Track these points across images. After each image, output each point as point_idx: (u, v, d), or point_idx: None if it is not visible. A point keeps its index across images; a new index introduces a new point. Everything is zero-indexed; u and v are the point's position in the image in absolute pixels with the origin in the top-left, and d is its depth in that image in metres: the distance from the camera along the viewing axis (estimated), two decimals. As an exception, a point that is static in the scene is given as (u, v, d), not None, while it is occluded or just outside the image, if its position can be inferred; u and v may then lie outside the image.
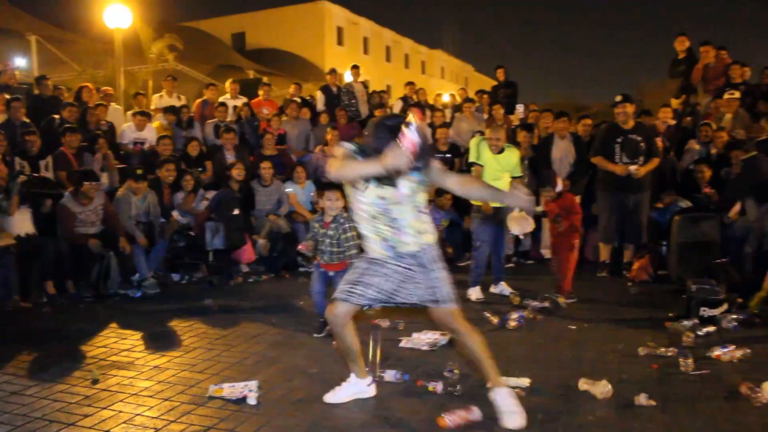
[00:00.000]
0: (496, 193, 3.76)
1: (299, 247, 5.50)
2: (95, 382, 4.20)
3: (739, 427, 3.42)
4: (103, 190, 7.39)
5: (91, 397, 3.95)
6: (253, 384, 3.94)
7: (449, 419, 3.40)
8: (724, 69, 10.17)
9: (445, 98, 15.73)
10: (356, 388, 3.85)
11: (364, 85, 12.34)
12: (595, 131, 8.75)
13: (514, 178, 6.42)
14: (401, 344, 4.91)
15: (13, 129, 7.91)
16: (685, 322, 5.29)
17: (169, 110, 9.95)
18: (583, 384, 3.92)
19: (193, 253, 7.82)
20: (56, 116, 8.61)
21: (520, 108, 10.82)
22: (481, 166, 6.45)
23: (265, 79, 13.78)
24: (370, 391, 3.88)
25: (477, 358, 3.56)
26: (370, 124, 3.59)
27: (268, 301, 6.62)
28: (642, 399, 3.67)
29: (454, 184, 3.65)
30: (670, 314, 5.69)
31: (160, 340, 5.20)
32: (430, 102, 12.54)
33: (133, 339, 5.26)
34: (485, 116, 10.75)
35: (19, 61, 16.69)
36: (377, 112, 10.63)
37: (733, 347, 4.55)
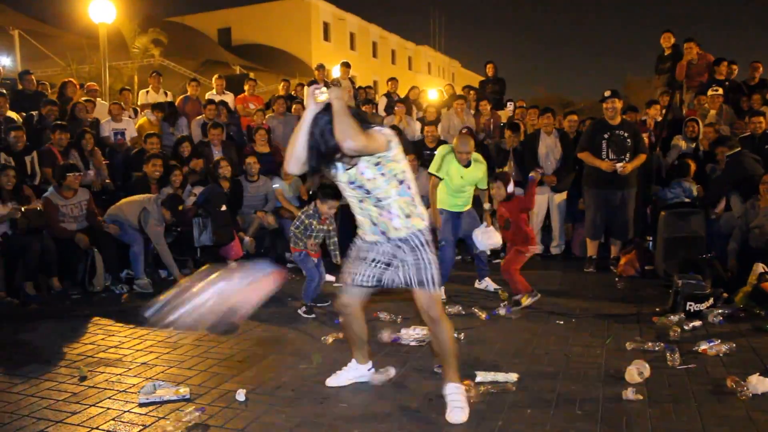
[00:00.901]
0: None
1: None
2: (83, 379, 4.18)
3: (725, 420, 3.45)
4: (89, 186, 7.34)
5: (79, 394, 3.92)
6: (184, 389, 3.89)
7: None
8: (707, 66, 10.26)
9: (432, 95, 15.75)
10: (357, 372, 4.02)
11: (351, 81, 12.33)
12: (581, 127, 8.81)
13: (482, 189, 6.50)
14: (390, 340, 4.91)
15: (-3, 124, 7.84)
16: (672, 317, 5.34)
17: (157, 107, 9.90)
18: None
19: (180, 249, 7.77)
20: (34, 113, 8.54)
21: (510, 106, 10.86)
22: (440, 179, 6.31)
23: (251, 75, 13.71)
24: (370, 375, 4.03)
25: (445, 350, 3.60)
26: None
27: (256, 297, 6.59)
28: (629, 393, 3.70)
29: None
30: (656, 309, 5.75)
31: (147, 337, 5.17)
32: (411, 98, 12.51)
33: (121, 336, 5.23)
34: (472, 112, 10.77)
35: (4, 60, 16.54)
36: (364, 108, 10.63)
37: (718, 341, 4.59)
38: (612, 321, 5.46)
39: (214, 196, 7.70)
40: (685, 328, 5.12)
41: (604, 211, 7.55)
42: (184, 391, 3.84)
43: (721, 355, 4.47)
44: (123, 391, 3.97)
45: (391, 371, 4.09)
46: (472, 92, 11.75)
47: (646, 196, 8.10)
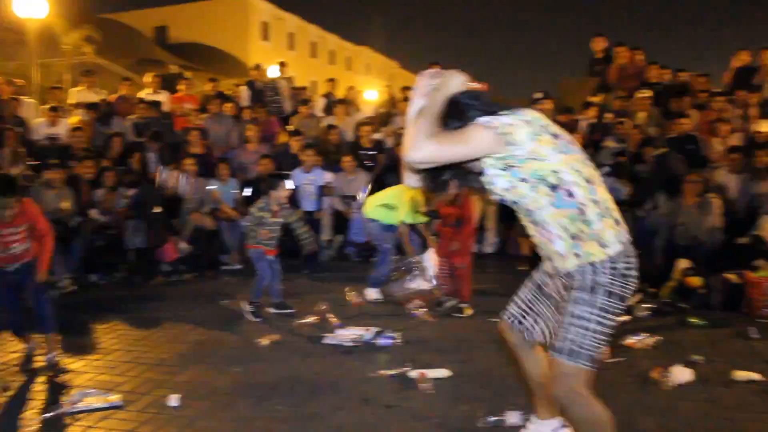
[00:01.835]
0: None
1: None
2: (6, 389, 4.02)
3: (651, 410, 3.58)
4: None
5: (1, 405, 3.78)
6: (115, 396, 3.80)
7: None
8: (637, 69, 10.59)
9: (371, 96, 15.80)
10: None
11: (289, 81, 12.24)
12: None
13: None
14: (325, 341, 4.91)
15: None
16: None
17: (90, 107, 9.62)
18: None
19: (112, 252, 7.57)
20: None
21: None
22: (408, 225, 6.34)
23: (187, 74, 13.44)
24: None
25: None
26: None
27: (190, 300, 6.48)
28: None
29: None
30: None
31: (77, 343, 5.00)
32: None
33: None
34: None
35: None
36: (301, 109, 10.58)
37: (645, 335, 4.76)
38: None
39: (147, 197, 7.54)
40: (614, 322, 5.27)
41: None
42: (115, 398, 3.74)
43: (647, 348, 4.63)
44: (50, 400, 3.84)
45: None
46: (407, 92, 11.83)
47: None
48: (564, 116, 9.49)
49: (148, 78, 11.19)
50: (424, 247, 6.40)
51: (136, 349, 4.82)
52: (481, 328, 5.27)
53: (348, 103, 11.16)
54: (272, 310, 5.82)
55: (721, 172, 7.64)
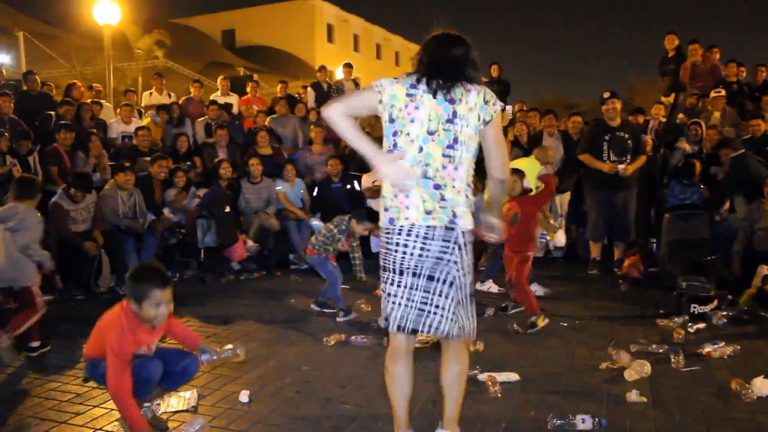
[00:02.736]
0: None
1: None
2: (87, 380, 4.16)
3: (729, 422, 3.45)
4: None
5: (83, 395, 3.93)
6: (190, 394, 3.82)
7: None
8: (711, 68, 10.24)
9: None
10: None
11: (355, 82, 12.33)
12: (586, 128, 8.80)
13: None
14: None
15: (2, 124, 7.86)
16: (676, 319, 5.33)
17: (161, 108, 9.93)
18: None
19: (184, 250, 7.78)
20: (52, 112, 8.55)
21: (508, 109, 10.88)
22: (530, 189, 6.37)
23: (255, 77, 13.73)
24: None
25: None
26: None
27: (259, 298, 6.61)
28: (633, 395, 3.70)
29: None
30: (660, 311, 5.74)
31: (151, 338, 5.16)
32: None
33: (125, 337, 5.23)
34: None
35: (3, 57, 16.56)
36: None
37: (723, 344, 4.58)
38: (615, 323, 5.46)
39: (217, 197, 7.72)
40: (689, 330, 5.11)
41: (606, 212, 7.54)
42: (191, 397, 3.80)
43: (725, 357, 4.46)
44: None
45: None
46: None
47: (650, 198, 8.08)
48: (634, 116, 9.27)
49: (218, 81, 11.48)
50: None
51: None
52: (549, 331, 5.19)
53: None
54: (314, 307, 5.94)
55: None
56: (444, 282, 2.80)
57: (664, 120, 9.62)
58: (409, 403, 3.02)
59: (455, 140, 2.77)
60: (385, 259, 2.85)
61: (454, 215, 2.78)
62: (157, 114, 9.90)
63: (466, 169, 2.82)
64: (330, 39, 38.05)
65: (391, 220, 2.82)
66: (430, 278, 2.79)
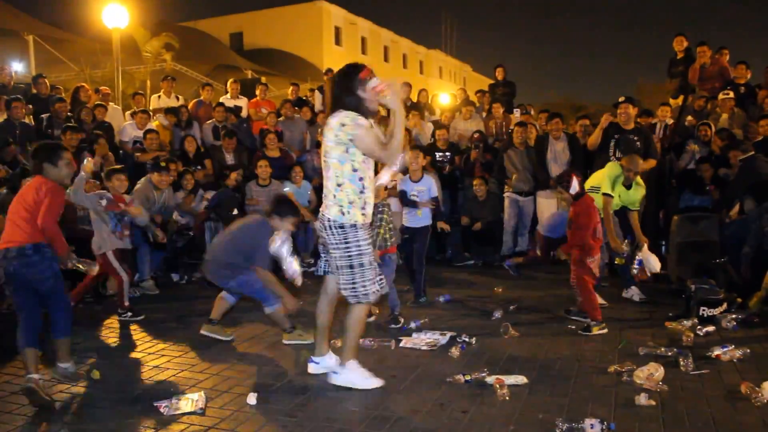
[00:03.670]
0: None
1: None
2: (94, 380, 4.20)
3: (738, 426, 3.43)
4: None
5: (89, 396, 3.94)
6: (198, 396, 3.85)
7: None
8: (720, 69, 10.19)
9: (444, 99, 15.74)
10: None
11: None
12: (593, 131, 8.77)
13: (629, 210, 6.40)
14: (402, 344, 4.92)
15: (13, 129, 7.91)
16: (685, 322, 5.30)
17: (170, 111, 9.96)
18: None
19: (192, 253, 7.80)
20: (44, 116, 8.61)
21: (517, 112, 10.87)
22: (612, 197, 6.23)
23: (263, 80, 13.77)
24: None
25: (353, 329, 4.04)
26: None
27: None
28: (642, 399, 3.68)
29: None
30: (669, 314, 5.71)
31: (159, 341, 5.19)
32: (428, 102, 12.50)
33: (132, 339, 5.26)
34: (484, 114, 10.78)
35: (18, 66, 16.64)
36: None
37: (732, 347, 4.56)
38: (624, 326, 5.43)
39: (225, 199, 7.74)
40: (699, 333, 5.08)
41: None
42: (199, 398, 3.81)
43: (734, 360, 4.44)
44: (135, 394, 3.98)
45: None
46: (487, 95, 11.74)
47: (659, 200, 8.04)
48: (642, 119, 9.23)
49: (228, 84, 11.51)
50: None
51: (215, 347, 4.94)
52: (557, 334, 5.18)
53: (421, 107, 11.18)
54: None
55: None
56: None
57: (670, 122, 9.57)
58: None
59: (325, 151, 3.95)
60: None
61: (322, 212, 4.00)
62: (164, 117, 9.93)
63: (334, 171, 3.90)
64: (338, 42, 38.11)
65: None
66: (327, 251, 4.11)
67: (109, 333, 5.46)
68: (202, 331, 5.17)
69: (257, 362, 4.59)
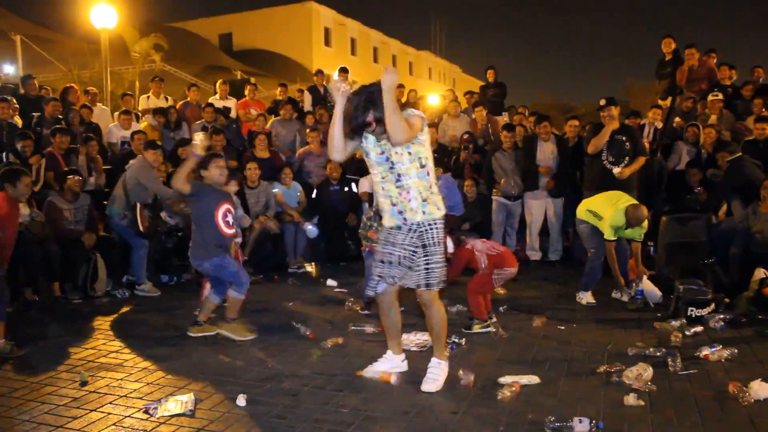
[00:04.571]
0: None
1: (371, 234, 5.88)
2: (84, 384, 4.17)
3: (726, 426, 3.45)
4: (91, 192, 7.35)
5: (80, 399, 3.92)
6: (187, 397, 3.81)
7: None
8: (707, 72, 10.27)
9: (432, 100, 15.76)
10: (392, 362, 4.23)
11: (351, 86, 12.28)
12: (583, 132, 8.80)
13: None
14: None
15: (0, 129, 7.85)
16: (674, 322, 5.34)
17: (158, 111, 9.92)
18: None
19: (182, 254, 7.75)
20: (35, 114, 8.55)
21: (505, 115, 10.92)
22: (614, 242, 6.26)
23: (252, 80, 13.75)
24: (404, 366, 4.26)
25: (437, 331, 4.04)
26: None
27: (257, 303, 6.59)
28: (631, 399, 3.70)
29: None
30: (658, 314, 5.74)
31: (148, 342, 5.16)
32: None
33: (122, 341, 5.23)
34: (473, 116, 10.82)
35: (8, 68, 16.56)
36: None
37: (720, 347, 4.59)
38: (613, 326, 5.46)
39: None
40: (687, 333, 5.11)
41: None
42: (189, 400, 3.79)
43: (722, 360, 4.46)
44: (124, 396, 3.96)
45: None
46: (475, 96, 11.76)
47: (647, 201, 8.07)
48: (631, 120, 9.28)
49: (217, 85, 11.48)
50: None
51: (205, 348, 4.92)
52: (546, 335, 5.20)
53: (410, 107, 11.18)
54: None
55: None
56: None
57: (660, 125, 9.62)
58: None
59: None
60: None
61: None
62: (153, 117, 9.89)
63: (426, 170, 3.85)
64: (327, 43, 38.10)
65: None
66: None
67: (97, 335, 5.42)
68: (191, 333, 5.20)
69: (246, 363, 4.57)
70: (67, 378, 4.29)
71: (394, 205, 3.86)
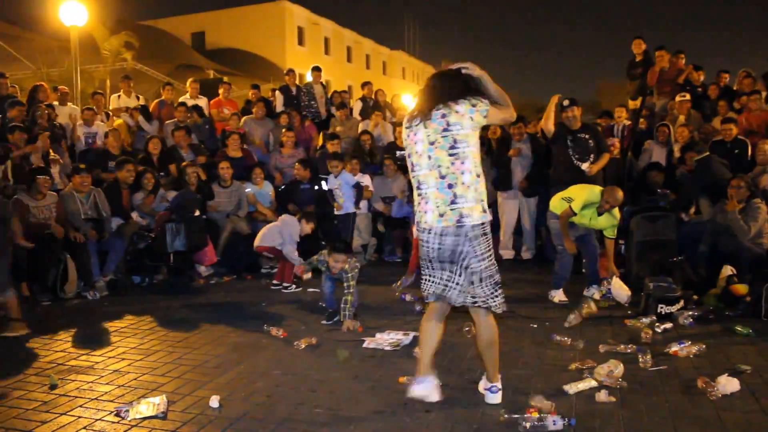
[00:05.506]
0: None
1: (296, 269, 6.57)
2: (53, 387, 4.11)
3: (696, 420, 3.51)
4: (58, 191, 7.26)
5: (49, 402, 3.86)
6: (160, 399, 3.77)
7: None
8: (677, 73, 10.44)
9: (406, 100, 15.79)
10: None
11: (323, 86, 12.25)
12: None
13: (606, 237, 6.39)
14: (364, 345, 4.92)
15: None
16: (644, 320, 5.41)
17: (138, 109, 9.85)
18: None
19: (153, 255, 7.68)
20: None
21: None
22: (573, 213, 6.21)
23: (225, 79, 13.65)
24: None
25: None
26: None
27: (230, 303, 6.56)
28: (602, 395, 3.74)
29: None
30: (629, 312, 5.82)
31: (120, 344, 5.10)
32: (388, 102, 12.51)
33: (92, 343, 5.16)
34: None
35: None
36: (338, 113, 10.66)
37: (689, 343, 4.67)
38: (585, 324, 5.51)
39: (187, 201, 7.64)
40: (657, 330, 5.19)
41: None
42: (161, 402, 3.75)
43: (691, 356, 4.54)
44: (95, 399, 3.91)
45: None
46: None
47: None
48: (602, 119, 9.39)
49: (187, 84, 11.39)
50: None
51: (177, 350, 4.88)
52: (519, 332, 5.24)
53: (382, 107, 11.20)
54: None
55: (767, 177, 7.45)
56: (460, 266, 3.55)
57: (628, 123, 9.75)
58: (433, 353, 3.74)
59: (455, 141, 3.50)
60: (421, 250, 3.67)
61: (461, 216, 3.48)
62: (128, 115, 9.80)
63: (473, 161, 3.52)
64: (300, 42, 37.96)
65: (417, 223, 3.67)
66: (451, 263, 3.56)
67: (67, 337, 5.35)
68: None
69: (219, 365, 4.54)
70: (36, 381, 4.22)
71: (437, 206, 3.60)
